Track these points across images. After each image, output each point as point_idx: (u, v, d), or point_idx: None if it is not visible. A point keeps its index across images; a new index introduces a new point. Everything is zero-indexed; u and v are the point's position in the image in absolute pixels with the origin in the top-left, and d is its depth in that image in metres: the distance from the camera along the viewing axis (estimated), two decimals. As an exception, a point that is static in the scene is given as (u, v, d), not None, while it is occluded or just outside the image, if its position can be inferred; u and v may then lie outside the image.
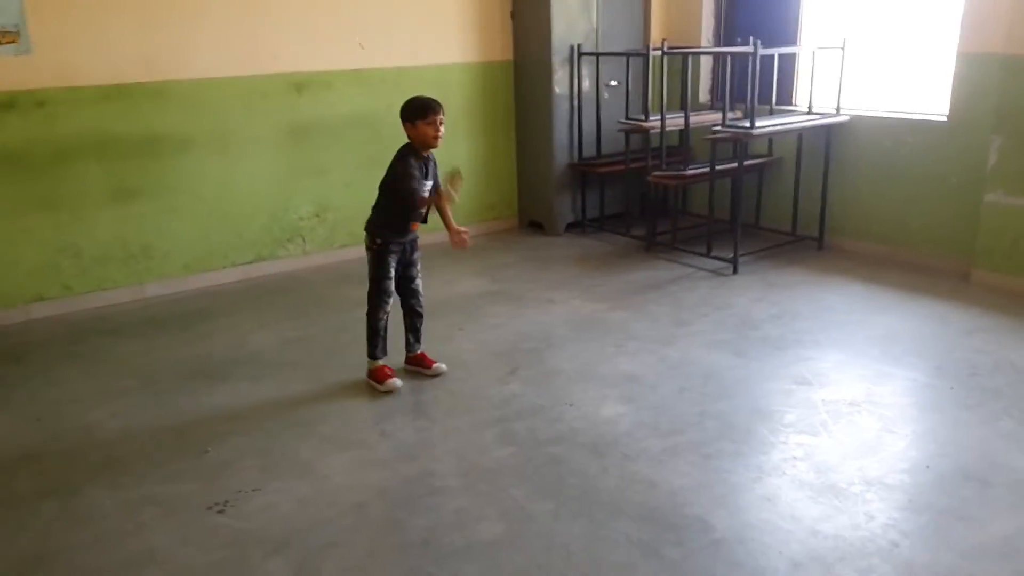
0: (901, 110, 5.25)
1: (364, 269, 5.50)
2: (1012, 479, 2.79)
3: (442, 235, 6.04)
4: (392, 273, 3.63)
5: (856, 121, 5.34)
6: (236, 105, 5.14)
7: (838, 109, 5.36)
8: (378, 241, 3.60)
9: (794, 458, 2.98)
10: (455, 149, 6.07)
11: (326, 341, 4.21)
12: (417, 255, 3.74)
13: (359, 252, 5.69)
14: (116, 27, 4.67)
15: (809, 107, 5.50)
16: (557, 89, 5.95)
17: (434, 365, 3.80)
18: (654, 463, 2.96)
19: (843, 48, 5.26)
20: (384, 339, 3.69)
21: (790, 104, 5.90)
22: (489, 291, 5.00)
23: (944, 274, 4.95)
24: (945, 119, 4.92)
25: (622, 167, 5.94)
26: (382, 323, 3.67)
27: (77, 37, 4.57)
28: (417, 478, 2.92)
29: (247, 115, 5.19)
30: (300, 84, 5.33)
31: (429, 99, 3.52)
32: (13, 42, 4.41)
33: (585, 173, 6.17)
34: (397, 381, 3.65)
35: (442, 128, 3.50)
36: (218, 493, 2.85)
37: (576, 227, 6.34)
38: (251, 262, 5.38)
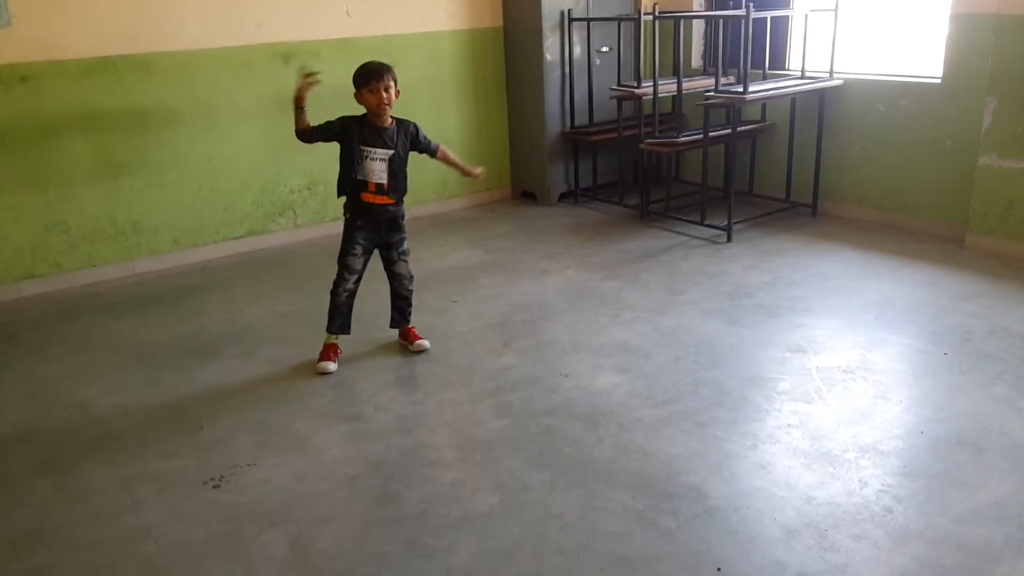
0: (895, 73, 5.20)
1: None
2: (1006, 444, 2.80)
3: (435, 206, 6.08)
4: (357, 250, 3.50)
5: (850, 85, 5.30)
6: (222, 77, 5.07)
7: (831, 73, 5.32)
8: (346, 214, 3.52)
9: (788, 425, 2.98)
10: (446, 118, 6.02)
11: (319, 315, 4.16)
12: (398, 237, 3.58)
13: (351, 224, 5.66)
14: (98, -1, 4.60)
15: (802, 71, 5.45)
16: (548, 56, 5.88)
17: (416, 342, 3.73)
18: (649, 432, 2.96)
19: (836, 11, 5.20)
20: (343, 315, 3.60)
21: (783, 68, 5.85)
22: (482, 262, 4.98)
23: (938, 239, 4.94)
24: (939, 81, 4.89)
25: (615, 135, 5.89)
26: (340, 299, 3.57)
27: (59, 9, 4.49)
28: (412, 451, 2.92)
29: (234, 87, 5.12)
30: (286, 54, 5.26)
31: (372, 65, 3.35)
32: (-7, 15, 4.33)
33: (577, 141, 6.13)
34: (331, 366, 3.53)
35: (387, 94, 3.31)
36: (213, 468, 2.85)
37: (569, 196, 6.31)
38: (242, 236, 5.35)
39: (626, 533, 2.41)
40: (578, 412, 3.13)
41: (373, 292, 4.27)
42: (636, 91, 5.52)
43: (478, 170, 3.74)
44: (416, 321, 3.82)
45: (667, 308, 4.12)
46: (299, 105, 3.37)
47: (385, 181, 3.41)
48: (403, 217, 3.58)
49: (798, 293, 4.24)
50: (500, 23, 6.10)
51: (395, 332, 3.82)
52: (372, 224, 3.50)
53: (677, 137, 5.42)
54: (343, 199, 3.51)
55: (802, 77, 5.43)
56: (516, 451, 2.88)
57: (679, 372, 3.43)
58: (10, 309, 4.53)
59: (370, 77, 3.31)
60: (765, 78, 5.54)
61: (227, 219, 5.26)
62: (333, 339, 3.63)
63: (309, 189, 5.52)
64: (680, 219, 5.53)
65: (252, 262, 5.15)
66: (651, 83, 5.45)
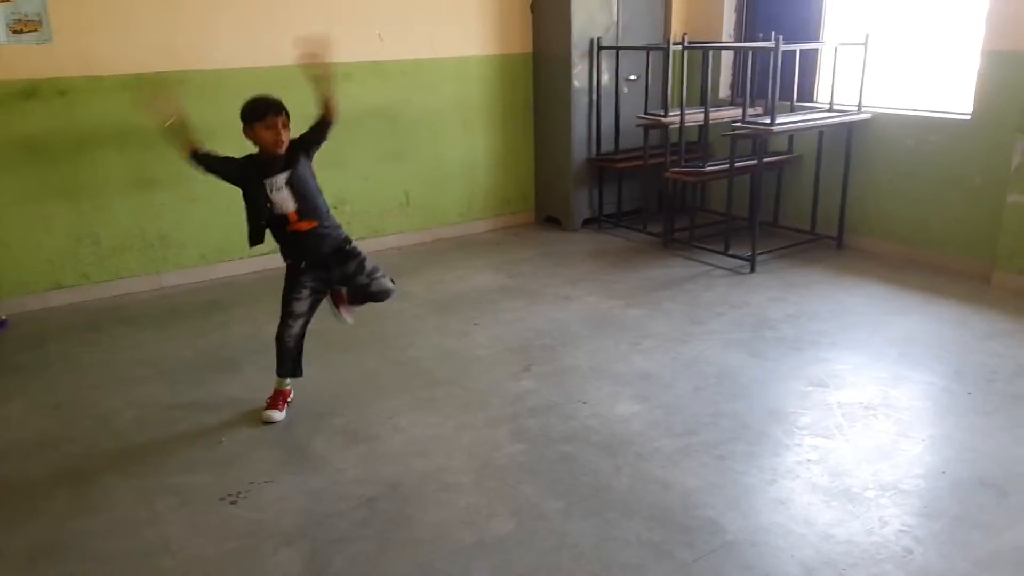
0: (924, 108, 5.18)
1: (382, 262, 5.51)
2: (1030, 487, 2.76)
3: (459, 229, 6.11)
4: (303, 293, 3.29)
5: (878, 119, 5.28)
6: (254, 95, 5.13)
7: (860, 106, 5.31)
8: (286, 260, 3.35)
9: (808, 461, 2.96)
10: (473, 142, 6.07)
11: (339, 335, 4.20)
12: (355, 264, 3.33)
13: (377, 245, 5.75)
14: (137, 16, 4.69)
15: (830, 104, 5.44)
16: (576, 83, 5.92)
17: (344, 311, 3.52)
18: (667, 463, 2.95)
19: (866, 44, 5.20)
20: (293, 359, 3.37)
21: (811, 101, 5.84)
22: (504, 286, 4.99)
23: (965, 276, 4.89)
24: (969, 117, 4.86)
25: (640, 163, 5.91)
26: (289, 344, 3.33)
27: (98, 26, 4.59)
28: (428, 473, 2.92)
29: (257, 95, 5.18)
30: (319, 75, 5.31)
31: (268, 99, 3.13)
32: (35, 31, 4.43)
33: (603, 168, 6.15)
34: (276, 415, 3.32)
35: (285, 133, 3.11)
36: (231, 484, 2.87)
37: (593, 223, 6.32)
38: (267, 254, 5.34)
39: (641, 565, 2.39)
40: (596, 440, 3.12)
41: (398, 312, 4.31)
42: (663, 119, 5.54)
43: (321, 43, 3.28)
44: (437, 343, 3.83)
45: (689, 338, 4.10)
46: (177, 131, 3.14)
47: (292, 207, 3.18)
48: (348, 242, 3.36)
49: (821, 327, 4.21)
50: (530, 49, 6.16)
51: (417, 350, 3.80)
52: (317, 263, 3.29)
53: (703, 166, 5.43)
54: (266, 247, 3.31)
55: (830, 110, 5.42)
56: (532, 477, 2.88)
57: (699, 403, 3.42)
58: (38, 318, 4.60)
59: (267, 111, 3.09)
60: (793, 110, 5.54)
61: (254, 236, 5.31)
62: (285, 384, 3.41)
63: (336, 208, 5.47)
64: (704, 248, 5.52)
65: (276, 279, 5.13)
66: (678, 112, 5.47)
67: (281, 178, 3.17)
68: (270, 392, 3.41)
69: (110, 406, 3.51)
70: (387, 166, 5.72)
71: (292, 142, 3.21)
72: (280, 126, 3.12)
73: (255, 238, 3.25)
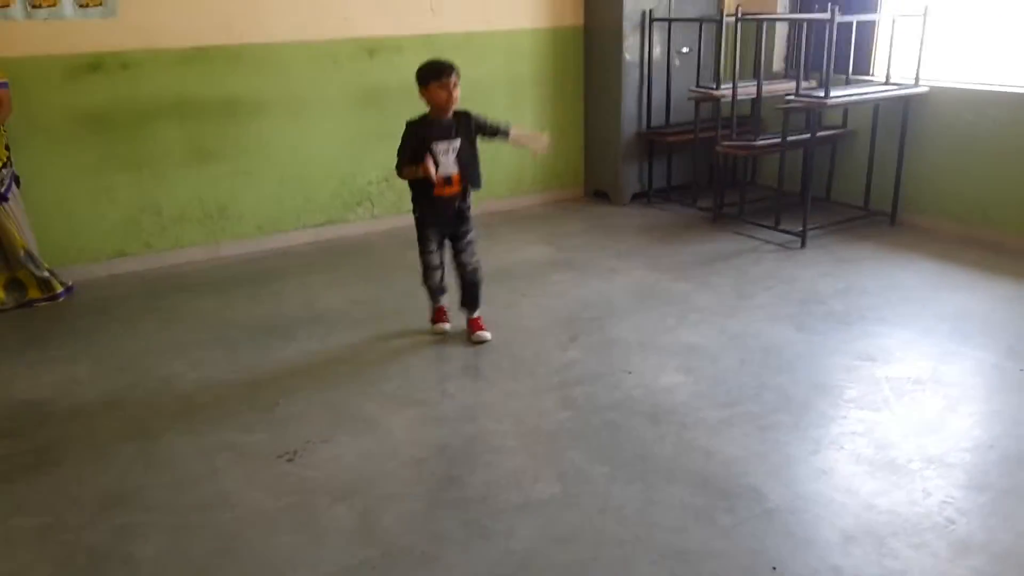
0: (984, 81, 5.06)
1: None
2: (1080, 463, 2.73)
3: (508, 203, 6.16)
4: (432, 246, 3.72)
5: (936, 92, 5.18)
6: (309, 70, 5.24)
7: (917, 80, 5.20)
8: (415, 212, 3.71)
9: (853, 433, 2.96)
10: (523, 116, 6.09)
11: (391, 303, 4.31)
12: (464, 228, 3.71)
13: (425, 217, 5.79)
14: (196, -10, 4.81)
15: (887, 77, 5.35)
16: (627, 56, 5.90)
17: (475, 334, 3.82)
18: (711, 432, 2.98)
19: (924, 16, 5.08)
20: (437, 293, 3.88)
21: (867, 74, 5.74)
22: (553, 259, 5.04)
23: (1022, 255, 4.79)
24: (1031, 92, 4.74)
25: (691, 137, 5.88)
26: (434, 283, 3.82)
27: (159, 0, 4.72)
28: (476, 437, 3.00)
29: (320, 80, 5.29)
30: (371, 49, 5.41)
31: (442, 62, 3.49)
32: (100, 5, 4.58)
33: (653, 142, 6.13)
34: (446, 325, 3.88)
35: (456, 91, 3.47)
36: (288, 443, 2.98)
37: (642, 197, 6.32)
38: (321, 224, 5.52)
39: (683, 528, 2.44)
40: (641, 409, 3.17)
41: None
42: (715, 93, 5.50)
43: (542, 140, 3.81)
44: (484, 313, 3.90)
45: (735, 312, 4.11)
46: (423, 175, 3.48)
47: (455, 172, 3.54)
48: (469, 209, 3.70)
49: (871, 302, 4.18)
50: (581, 22, 6.15)
51: (463, 322, 3.90)
52: (441, 219, 3.67)
53: (755, 140, 5.38)
54: (411, 198, 3.71)
55: (886, 83, 5.33)
56: (578, 443, 2.94)
57: (744, 375, 3.43)
58: (103, 285, 4.78)
59: (440, 73, 3.43)
60: (848, 83, 5.45)
61: (308, 207, 5.44)
62: (439, 302, 3.91)
63: (387, 181, 5.65)
64: (754, 223, 5.49)
65: (330, 250, 5.32)
66: (730, 85, 5.42)
67: (452, 144, 3.52)
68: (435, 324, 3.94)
69: (172, 369, 3.66)
70: (438, 139, 5.78)
71: (468, 116, 3.58)
72: (452, 86, 3.45)
73: (419, 197, 3.64)
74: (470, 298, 3.84)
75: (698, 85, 5.86)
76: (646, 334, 3.87)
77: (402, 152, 3.55)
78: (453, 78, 3.44)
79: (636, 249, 5.16)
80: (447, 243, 3.77)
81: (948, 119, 5.15)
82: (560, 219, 5.94)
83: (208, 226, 5.19)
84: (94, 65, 4.65)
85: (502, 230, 5.68)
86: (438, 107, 3.48)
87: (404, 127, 3.54)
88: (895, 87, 5.23)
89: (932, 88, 5.18)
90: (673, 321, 4.01)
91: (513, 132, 3.71)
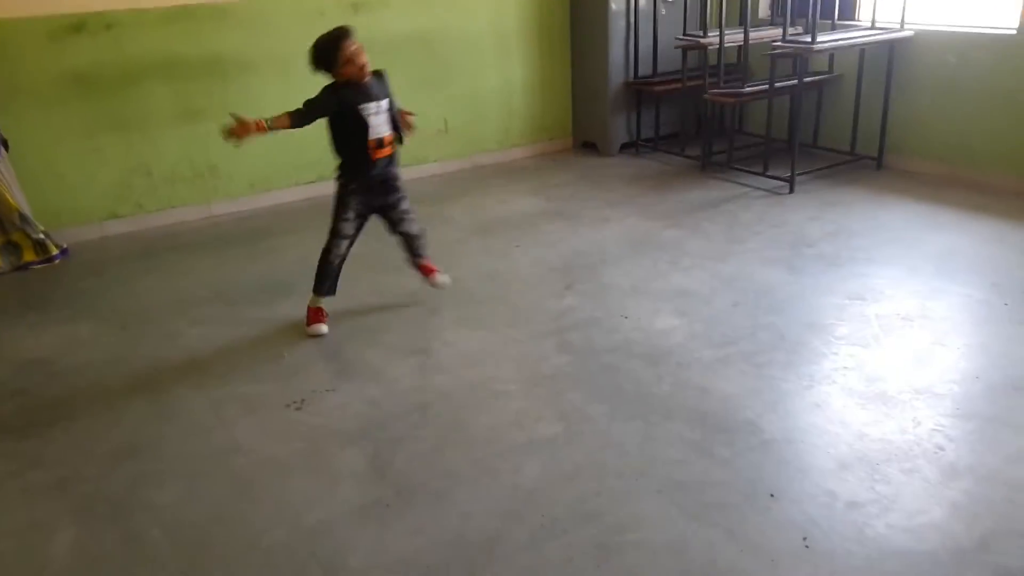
0: (968, 24, 5.09)
1: (422, 187, 5.65)
2: (1062, 390, 2.84)
3: (497, 156, 6.18)
4: (350, 215, 3.44)
5: (920, 36, 5.21)
6: (295, 25, 5.20)
7: (902, 23, 5.23)
8: (340, 179, 3.46)
9: (845, 368, 3.05)
10: (510, 69, 6.08)
11: (386, 257, 4.32)
12: (396, 197, 3.52)
13: (417, 172, 5.86)
14: (179, -52, 4.76)
15: (872, 22, 5.37)
16: (613, 5, 5.88)
17: (433, 276, 3.74)
18: (707, 371, 3.07)
19: (910, -41, 5.10)
20: (332, 279, 3.57)
21: (853, 19, 5.76)
22: (544, 210, 5.08)
23: (1006, 193, 4.87)
24: (1015, 32, 4.78)
25: (678, 85, 5.89)
26: (333, 264, 3.53)
27: (142, -42, 4.67)
28: (479, 383, 3.07)
29: (306, 35, 5.16)
30: (357, 3, 5.37)
31: (338, 35, 3.21)
32: (81, -36, 4.52)
33: (640, 92, 6.14)
34: (323, 328, 3.52)
35: (365, 56, 3.22)
36: (294, 393, 3.05)
37: (631, 147, 6.35)
38: (313, 181, 5.52)
39: (683, 461, 2.53)
40: (638, 351, 3.24)
41: (440, 236, 4.44)
42: (702, 41, 5.51)
43: (410, 117, 3.54)
44: (480, 264, 3.95)
45: (727, 256, 4.18)
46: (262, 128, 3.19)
47: (387, 133, 3.36)
48: (398, 179, 3.52)
49: (860, 243, 4.26)
50: (566, -28, 6.11)
51: (461, 270, 3.94)
52: (366, 187, 3.44)
53: (742, 88, 5.41)
54: (338, 167, 3.47)
55: (872, 28, 5.35)
56: (578, 385, 3.02)
57: (738, 316, 3.51)
58: (97, 247, 4.80)
59: (344, 46, 3.18)
60: (834, 28, 5.48)
61: (299, 164, 5.44)
62: (319, 302, 3.60)
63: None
64: (742, 170, 5.54)
65: (323, 206, 5.23)
66: (717, 33, 5.43)
67: (381, 104, 3.33)
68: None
69: (174, 326, 3.70)
70: (426, 93, 5.77)
71: (383, 75, 3.40)
72: (359, 53, 3.22)
73: (354, 164, 3.41)
74: (415, 250, 3.69)
75: (685, 34, 5.86)
76: (640, 280, 3.94)
77: (309, 105, 3.25)
78: (357, 46, 3.21)
79: (626, 198, 5.21)
80: (381, 222, 3.56)
81: (933, 62, 5.19)
82: (550, 170, 5.97)
83: (199, 185, 5.19)
84: (77, 26, 4.61)
85: (492, 182, 5.71)
86: (355, 80, 3.25)
87: (321, 90, 3.28)
88: (880, 31, 5.26)
89: (917, 32, 5.21)
90: (666, 267, 4.08)
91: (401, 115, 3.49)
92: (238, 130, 3.14)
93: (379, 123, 3.33)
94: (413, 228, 3.63)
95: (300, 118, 3.26)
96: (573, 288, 3.88)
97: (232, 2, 4.97)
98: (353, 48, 3.21)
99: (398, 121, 3.43)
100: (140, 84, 4.85)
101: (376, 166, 3.40)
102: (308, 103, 3.27)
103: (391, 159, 3.45)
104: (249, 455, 2.68)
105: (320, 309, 3.61)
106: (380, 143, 3.36)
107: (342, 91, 3.28)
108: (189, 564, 2.22)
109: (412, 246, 3.71)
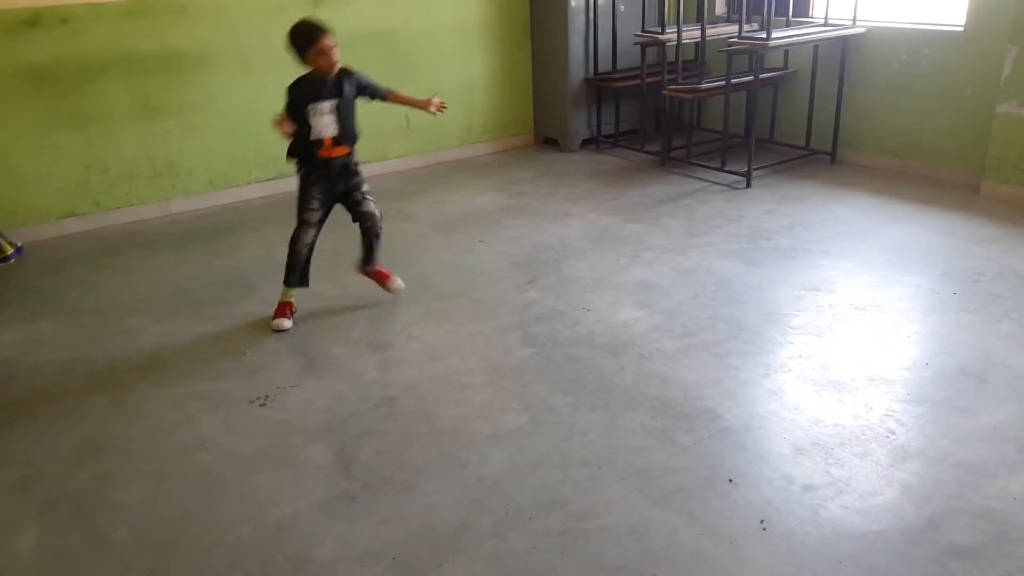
0: (918, 21, 5.23)
1: (384, 183, 5.65)
2: (1007, 375, 2.94)
3: (459, 152, 6.20)
4: (314, 204, 3.46)
5: (872, 32, 5.34)
6: (254, 20, 5.17)
7: (854, 20, 5.35)
8: (299, 171, 3.49)
9: (800, 356, 3.14)
10: (471, 65, 6.11)
11: (351, 253, 4.32)
12: (355, 181, 3.53)
13: (380, 168, 5.86)
14: (135, -58, 4.71)
15: (826, 19, 5.49)
16: (572, 2, 5.93)
17: (389, 282, 3.73)
18: (668, 361, 3.13)
19: (861, -42, 5.22)
20: (301, 269, 3.57)
21: (807, 16, 5.88)
22: (506, 205, 5.12)
23: (955, 186, 5.02)
24: (961, 29, 4.92)
25: (638, 82, 5.97)
26: (301, 254, 3.54)
27: (97, -48, 4.62)
28: (444, 376, 3.10)
29: (266, 30, 5.22)
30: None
31: (312, 25, 3.27)
32: (34, -42, 4.45)
33: (600, 88, 6.20)
34: (286, 323, 3.52)
35: (336, 52, 3.28)
36: (258, 389, 3.05)
37: (591, 143, 6.41)
38: (273, 178, 5.50)
39: (645, 448, 2.59)
40: (600, 343, 3.30)
41: (403, 231, 4.45)
42: (660, 37, 5.59)
43: (435, 101, 3.63)
44: (443, 259, 3.97)
45: (686, 249, 4.25)
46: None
47: (335, 132, 3.37)
48: (356, 164, 3.54)
49: (815, 236, 4.36)
50: (526, -31, 6.15)
51: (424, 266, 3.96)
52: (326, 177, 3.46)
53: (700, 83, 5.50)
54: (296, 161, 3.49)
55: (825, 24, 5.47)
56: (542, 377, 3.06)
57: (697, 308, 3.59)
58: (54, 245, 4.73)
59: (317, 37, 3.24)
60: (789, 25, 5.58)
61: (259, 160, 5.41)
62: (290, 295, 3.60)
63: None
64: (701, 165, 5.63)
65: (284, 203, 5.25)
66: (675, 29, 5.51)
67: (327, 104, 3.35)
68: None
69: (134, 324, 3.67)
70: (387, 90, 5.77)
71: (351, 74, 3.41)
72: (331, 48, 3.27)
73: (292, 151, 3.46)
74: (371, 252, 3.69)
75: (643, 30, 5.94)
76: (602, 273, 4.00)
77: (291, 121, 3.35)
78: (331, 39, 3.26)
79: (588, 193, 5.27)
80: (341, 211, 3.57)
81: (884, 58, 5.32)
82: (511, 167, 6.00)
83: (158, 183, 5.14)
84: (32, 20, 4.54)
85: (454, 179, 5.73)
86: (322, 72, 3.31)
87: (286, 92, 3.35)
88: (833, 28, 5.38)
89: (869, 28, 5.34)
90: (627, 260, 4.14)
91: (393, 94, 3.56)
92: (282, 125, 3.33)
93: (322, 124, 3.35)
94: (372, 208, 3.59)
95: (293, 130, 3.38)
96: (536, 282, 3.93)
97: (190, -3, 4.93)
98: (331, 45, 3.27)
99: (348, 121, 3.42)
100: (97, 80, 4.78)
101: (326, 163, 3.43)
102: (286, 110, 3.38)
103: (344, 157, 3.46)
104: (214, 452, 2.68)
105: (289, 304, 3.60)
106: (321, 143, 3.38)
107: (296, 88, 3.35)
108: (155, 562, 2.22)
109: (369, 242, 3.67)
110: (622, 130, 6.42)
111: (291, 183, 5.47)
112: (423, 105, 3.64)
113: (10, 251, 4.48)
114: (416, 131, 6.01)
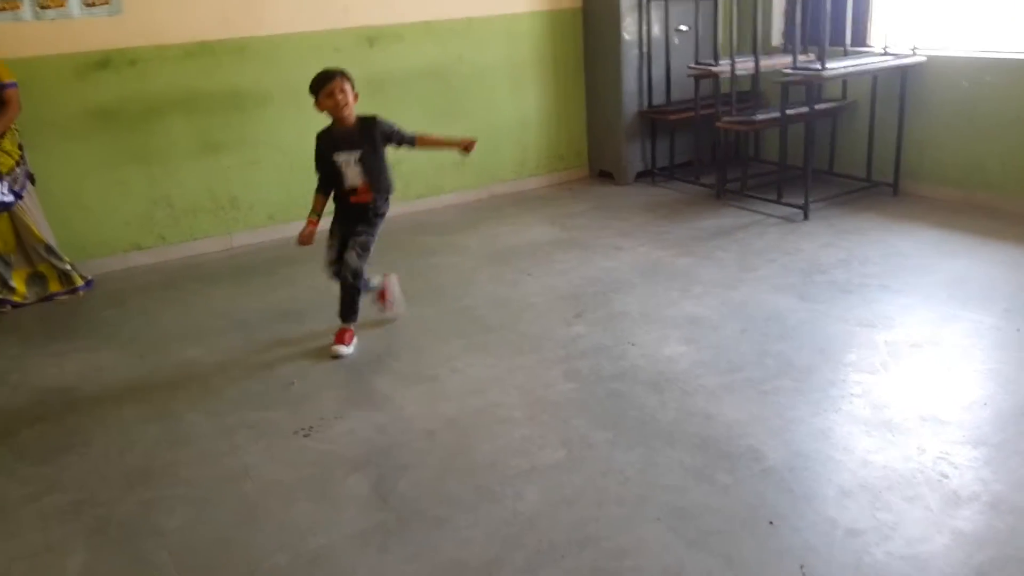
0: (980, 49, 5.10)
1: (437, 217, 5.73)
2: (1072, 417, 2.81)
3: (513, 185, 6.25)
4: (333, 241, 3.69)
5: (933, 62, 5.22)
6: (311, 60, 5.26)
7: (914, 50, 5.25)
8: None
9: (851, 395, 3.05)
10: (525, 100, 6.17)
11: (400, 285, 4.39)
12: (361, 227, 3.61)
13: (434, 202, 5.95)
14: (197, -14, 4.91)
15: (884, 48, 5.39)
16: (626, 36, 5.96)
17: (333, 347, 3.63)
18: (712, 398, 3.07)
19: (921, -13, 5.12)
20: (341, 303, 3.69)
21: (864, 46, 5.78)
22: (557, 239, 5.12)
23: (1020, 218, 4.84)
24: (1026, 57, 4.78)
25: (692, 114, 5.94)
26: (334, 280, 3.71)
27: (163, -3, 4.83)
28: (484, 409, 3.10)
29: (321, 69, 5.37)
30: (372, 37, 5.49)
31: (324, 71, 3.47)
32: (106, 3, 4.69)
33: (655, 121, 6.19)
34: (344, 349, 3.61)
35: (342, 96, 3.42)
36: (303, 420, 3.10)
37: (646, 176, 6.39)
38: (330, 213, 5.59)
39: (683, 487, 2.54)
40: (644, 378, 3.26)
41: (453, 264, 4.49)
42: (713, 69, 5.56)
43: (468, 141, 3.74)
44: (491, 292, 3.99)
45: (738, 284, 4.19)
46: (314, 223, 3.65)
47: (360, 182, 3.55)
48: (378, 217, 3.64)
49: (873, 271, 4.25)
50: (579, 4, 6.21)
51: (472, 299, 3.98)
52: (348, 216, 3.65)
53: (755, 115, 5.44)
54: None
55: (884, 54, 5.37)
56: (582, 412, 3.04)
57: (746, 343, 3.52)
58: (120, 277, 4.91)
59: (323, 82, 3.43)
60: (846, 55, 5.50)
61: (316, 195, 5.53)
62: (346, 323, 3.72)
63: (393, 167, 5.72)
64: (757, 198, 5.56)
65: (339, 236, 5.41)
66: (729, 61, 5.48)
67: (353, 155, 3.52)
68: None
69: (191, 354, 3.78)
70: (441, 125, 5.84)
71: (374, 122, 3.54)
72: (338, 91, 3.43)
73: (326, 193, 3.68)
74: (342, 305, 3.68)
75: (697, 62, 5.92)
76: (650, 307, 3.96)
77: (316, 168, 3.64)
78: (337, 83, 3.41)
79: (640, 227, 5.24)
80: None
81: (946, 88, 5.20)
82: (565, 200, 6.02)
83: (220, 217, 5.30)
84: (102, 63, 4.76)
85: (507, 212, 5.77)
86: (333, 116, 3.50)
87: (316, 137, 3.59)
88: (892, 57, 5.27)
89: (930, 57, 5.22)
90: (676, 294, 4.10)
91: (420, 139, 3.68)
92: (303, 240, 3.61)
93: (350, 174, 3.54)
94: (351, 258, 3.57)
95: (322, 184, 3.66)
96: (582, 316, 3.91)
97: (250, 37, 5.11)
98: (337, 88, 3.42)
99: (375, 171, 3.56)
100: (162, 118, 4.99)
101: (352, 208, 3.62)
102: (315, 167, 3.65)
103: (368, 205, 3.61)
104: (257, 481, 2.73)
105: (343, 329, 3.70)
106: (354, 191, 3.57)
107: (322, 139, 3.58)
108: (194, 588, 2.26)
109: (340, 288, 3.66)
110: (677, 162, 6.39)
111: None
112: (455, 145, 3.74)
113: (80, 283, 4.67)
114: (470, 165, 6.07)
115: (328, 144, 3.54)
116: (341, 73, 3.47)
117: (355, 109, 3.54)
